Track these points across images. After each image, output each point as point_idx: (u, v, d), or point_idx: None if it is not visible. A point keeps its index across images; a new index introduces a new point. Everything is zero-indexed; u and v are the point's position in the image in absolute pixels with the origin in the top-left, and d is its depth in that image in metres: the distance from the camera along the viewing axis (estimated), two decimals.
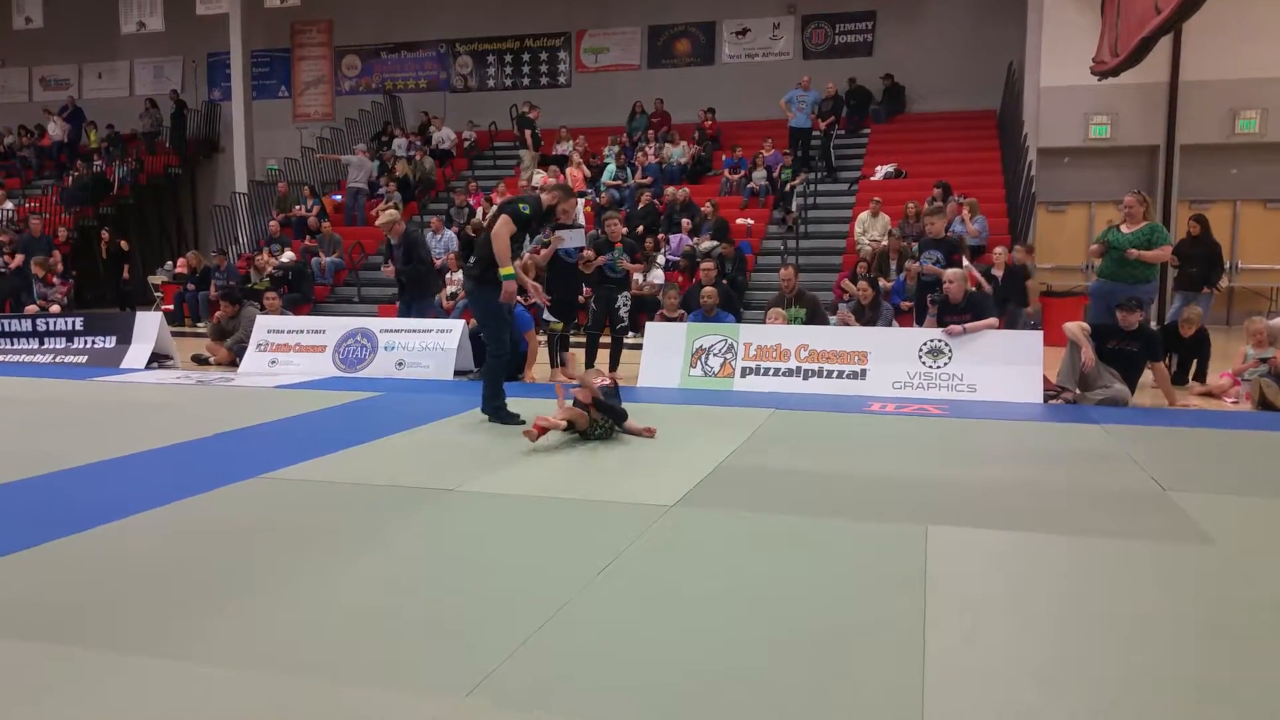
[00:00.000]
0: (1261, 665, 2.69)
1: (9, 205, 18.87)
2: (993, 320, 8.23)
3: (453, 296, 13.65)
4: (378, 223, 11.90)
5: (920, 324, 9.07)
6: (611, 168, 16.68)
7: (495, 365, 6.51)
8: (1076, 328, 7.68)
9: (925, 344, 8.16)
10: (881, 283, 11.52)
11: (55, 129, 21.56)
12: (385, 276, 10.74)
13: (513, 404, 6.53)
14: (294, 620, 2.95)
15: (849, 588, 3.29)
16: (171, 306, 15.40)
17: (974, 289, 8.82)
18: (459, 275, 13.84)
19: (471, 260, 6.58)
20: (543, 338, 9.49)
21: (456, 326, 9.49)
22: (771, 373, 8.36)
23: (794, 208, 14.87)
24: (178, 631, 2.85)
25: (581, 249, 9.26)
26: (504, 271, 6.25)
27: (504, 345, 6.53)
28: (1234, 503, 4.51)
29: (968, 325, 8.05)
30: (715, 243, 13.79)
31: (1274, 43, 14.31)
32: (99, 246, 17.21)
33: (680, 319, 9.59)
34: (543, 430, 5.54)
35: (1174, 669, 2.66)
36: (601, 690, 2.50)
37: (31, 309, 12.61)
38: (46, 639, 2.80)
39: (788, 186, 15.05)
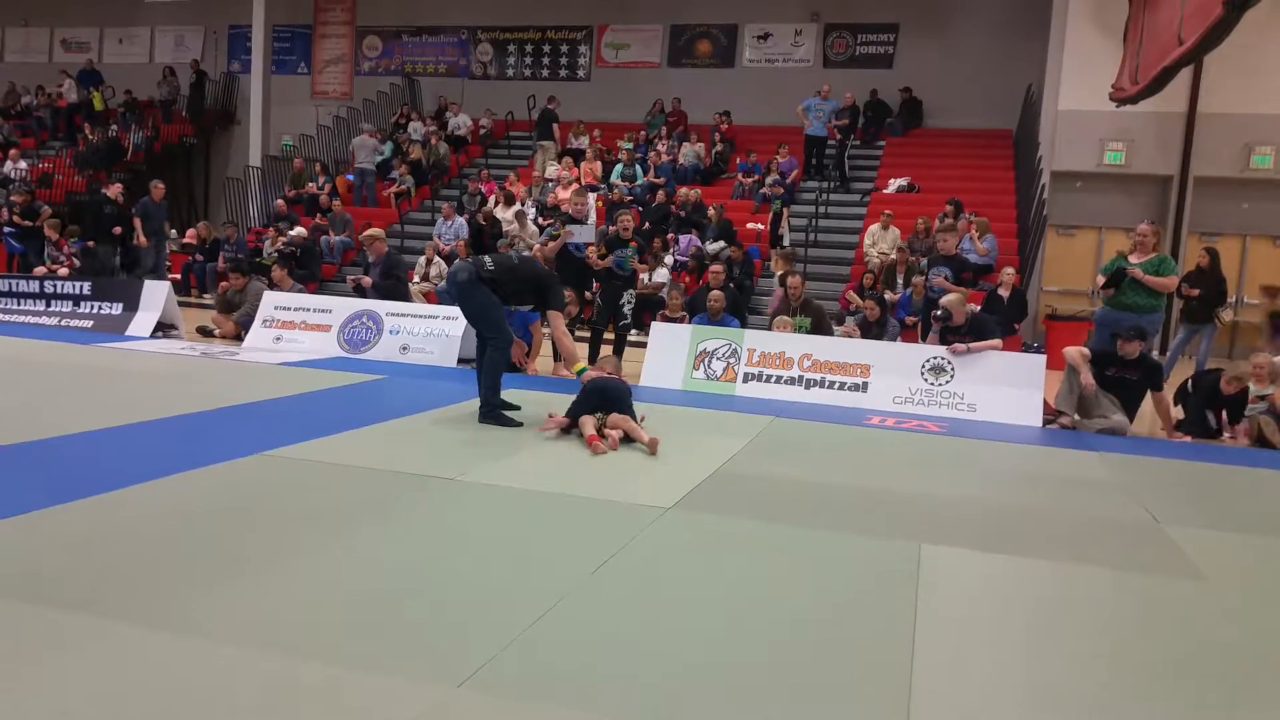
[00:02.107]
0: (1244, 702, 2.72)
1: (23, 165, 18.90)
2: (996, 341, 8.27)
3: None
4: (360, 236, 12.02)
5: (925, 340, 9.10)
6: (619, 168, 16.68)
7: (498, 358, 6.28)
8: (1076, 353, 7.71)
9: (928, 361, 8.19)
10: (888, 295, 11.54)
11: (72, 90, 21.56)
12: (359, 285, 10.94)
13: (516, 396, 6.54)
14: (289, 600, 2.98)
15: (841, 600, 3.32)
16: (178, 276, 15.42)
17: (976, 308, 8.85)
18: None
19: (491, 264, 6.29)
20: (547, 330, 9.51)
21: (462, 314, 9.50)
22: (774, 380, 8.39)
23: (787, 243, 14.85)
24: (172, 603, 2.88)
25: (589, 244, 9.28)
26: (577, 368, 6.30)
27: (507, 333, 6.37)
28: (1227, 539, 4.54)
29: (972, 345, 8.09)
30: (722, 245, 13.81)
31: None
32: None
33: (682, 320, 9.62)
34: (556, 426, 5.72)
35: (1155, 702, 2.69)
36: (592, 683, 2.54)
37: (40, 271, 12.64)
38: (43, 603, 2.83)
39: (779, 229, 15.01)
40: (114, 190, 14.97)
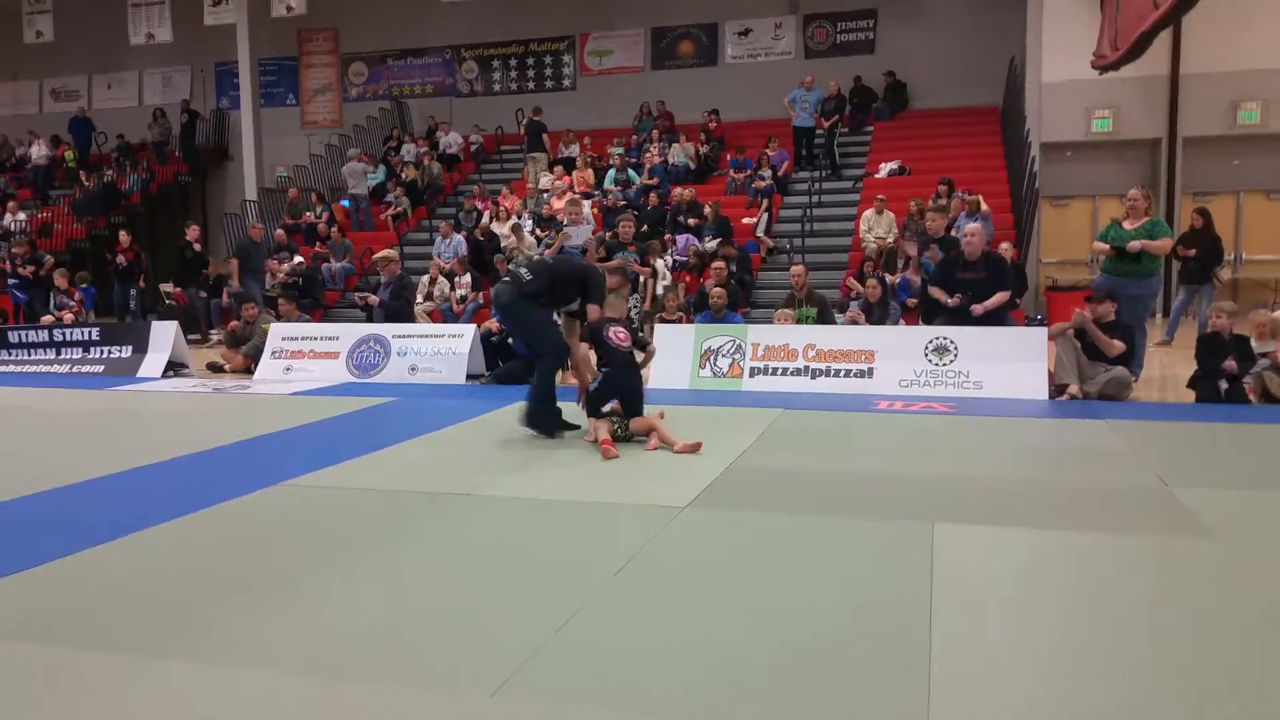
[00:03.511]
0: (1260, 658, 2.78)
1: (22, 216, 19.07)
2: (1003, 295, 8.28)
3: (462, 300, 13.79)
4: (374, 257, 12.14)
5: (926, 322, 9.15)
6: (612, 173, 16.79)
7: (550, 368, 6.19)
8: (1059, 325, 7.92)
9: (931, 342, 8.26)
10: (888, 278, 11.61)
11: (38, 151, 21.46)
12: (367, 301, 11.10)
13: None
14: (320, 623, 3.07)
15: (857, 585, 3.39)
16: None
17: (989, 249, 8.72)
18: (467, 279, 14.00)
19: (528, 275, 6.16)
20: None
21: (468, 331, 9.62)
22: (780, 373, 8.47)
23: (762, 232, 14.97)
24: (207, 636, 2.97)
25: (584, 250, 9.36)
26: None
27: (560, 345, 6.28)
28: (1233, 496, 4.61)
29: (986, 304, 8.08)
30: (719, 241, 13.87)
31: (1273, 34, 14.39)
32: (115, 254, 17.29)
33: (679, 321, 9.71)
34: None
35: (1173, 662, 2.76)
36: (621, 686, 2.62)
37: (47, 319, 12.77)
38: (79, 645, 2.92)
39: (769, 220, 15.15)
40: (193, 233, 14.80)
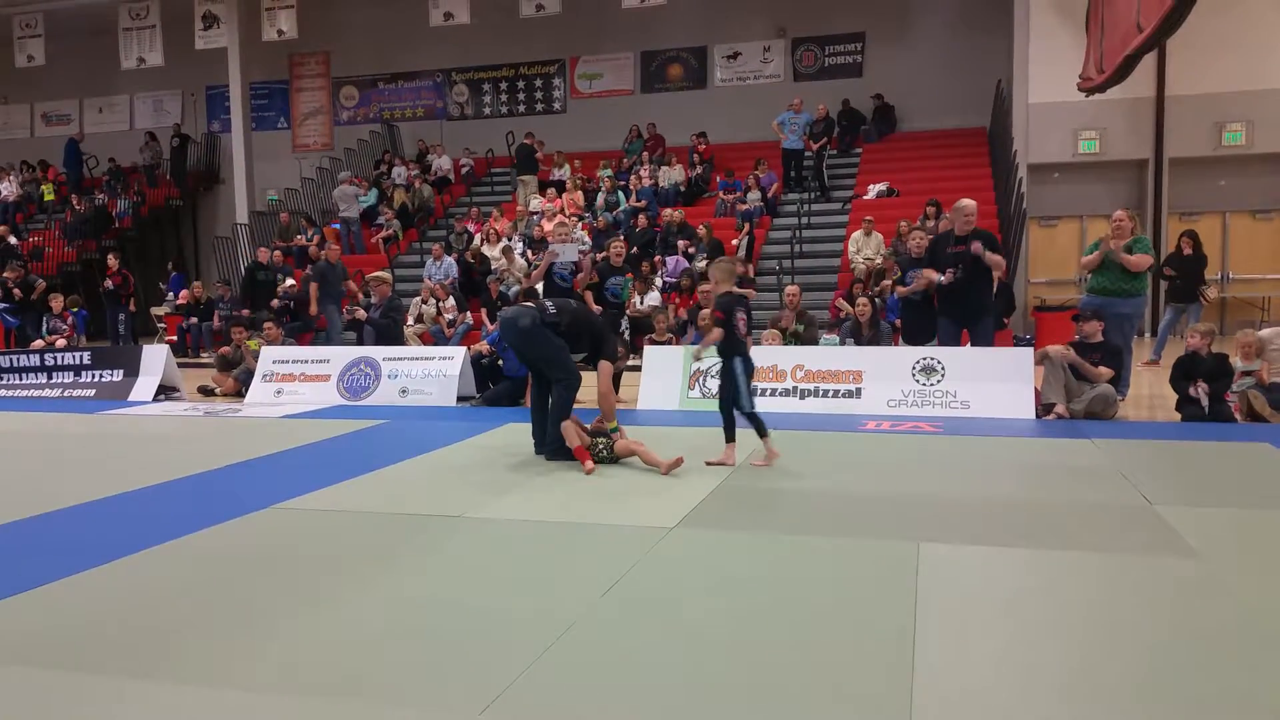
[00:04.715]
0: (1244, 675, 2.80)
1: (13, 240, 19.06)
2: (1001, 259, 8.23)
3: (451, 324, 13.82)
4: (368, 276, 12.17)
5: (908, 343, 9.19)
6: (602, 195, 16.89)
7: (568, 398, 6.18)
8: (1046, 349, 8.00)
9: (919, 362, 8.30)
10: (877, 301, 11.68)
11: (7, 188, 21.44)
12: (356, 317, 11.34)
13: (518, 428, 6.63)
14: (309, 645, 3.08)
15: (842, 605, 3.41)
16: (175, 338, 15.55)
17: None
18: (450, 302, 14.04)
19: (552, 308, 6.28)
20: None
21: (458, 353, 9.64)
22: (769, 393, 8.49)
23: (741, 253, 15.08)
24: (196, 658, 2.98)
25: (576, 269, 9.38)
26: (611, 425, 6.20)
27: (575, 373, 6.30)
28: (1217, 515, 4.64)
29: (988, 255, 8.02)
30: (707, 262, 13.94)
31: (1257, 56, 14.57)
32: (104, 278, 17.28)
33: (670, 342, 9.75)
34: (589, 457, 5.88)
35: (1156, 680, 2.78)
36: (609, 705, 2.63)
37: (38, 344, 12.75)
38: (72, 669, 2.93)
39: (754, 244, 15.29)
40: (265, 254, 14.38)
